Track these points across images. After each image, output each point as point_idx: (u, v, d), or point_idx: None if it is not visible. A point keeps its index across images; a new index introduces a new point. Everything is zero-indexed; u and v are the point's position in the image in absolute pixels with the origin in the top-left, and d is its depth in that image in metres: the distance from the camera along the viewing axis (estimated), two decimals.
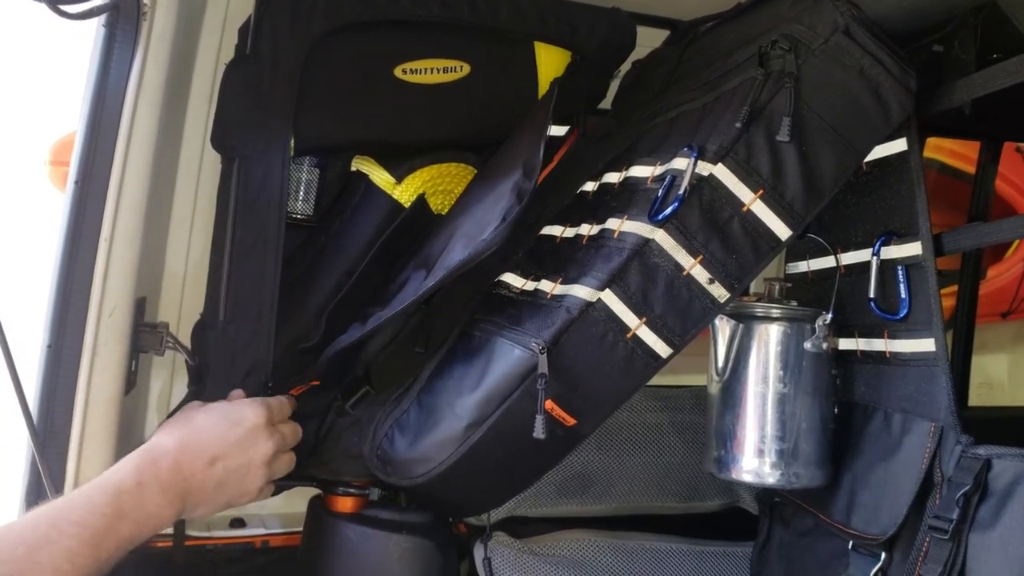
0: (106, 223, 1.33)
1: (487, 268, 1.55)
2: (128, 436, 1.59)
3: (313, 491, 1.65)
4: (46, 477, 1.32)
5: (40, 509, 0.92)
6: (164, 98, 1.40)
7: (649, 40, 1.71)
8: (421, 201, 1.58)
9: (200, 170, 1.68)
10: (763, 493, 1.78)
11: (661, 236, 1.23)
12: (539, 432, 1.24)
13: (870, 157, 1.34)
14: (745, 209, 1.23)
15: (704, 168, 1.23)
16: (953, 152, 3.12)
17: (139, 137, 1.36)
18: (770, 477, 1.41)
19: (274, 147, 1.43)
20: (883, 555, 1.33)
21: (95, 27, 1.34)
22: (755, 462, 1.41)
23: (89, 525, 0.91)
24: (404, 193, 1.56)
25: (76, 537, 0.90)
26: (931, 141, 2.87)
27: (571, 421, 1.29)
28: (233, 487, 1.13)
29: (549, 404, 1.26)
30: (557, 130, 1.57)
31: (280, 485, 1.64)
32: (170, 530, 1.64)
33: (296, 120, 1.45)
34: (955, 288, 2.42)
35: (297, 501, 1.71)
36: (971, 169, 2.41)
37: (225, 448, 1.09)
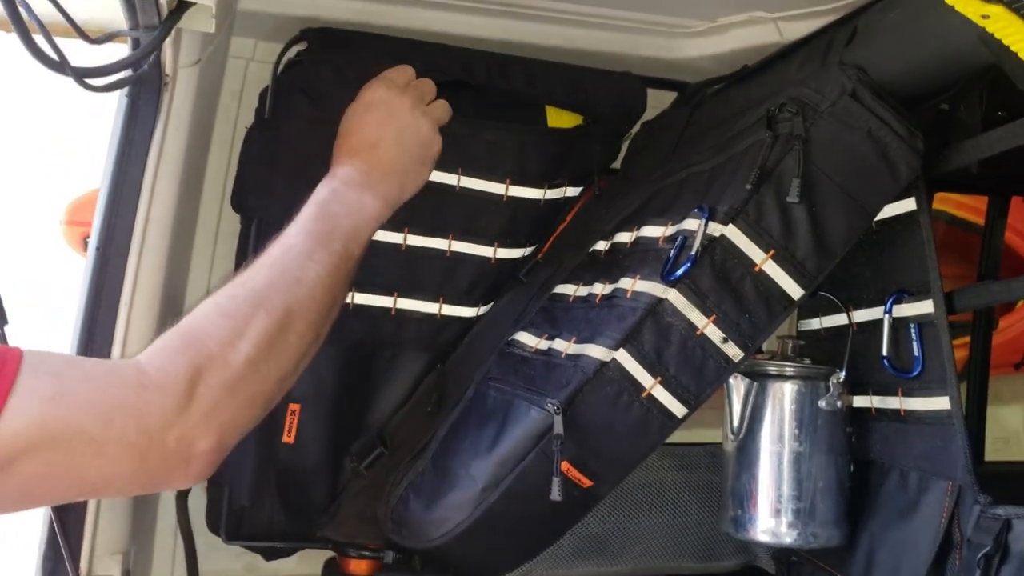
0: (126, 288, 1.35)
1: (501, 326, 1.56)
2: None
3: (328, 554, 1.64)
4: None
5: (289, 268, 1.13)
6: (184, 163, 1.43)
7: (657, 101, 1.74)
8: None
9: (218, 232, 1.70)
10: (780, 552, 1.76)
11: (674, 295, 1.24)
12: (556, 494, 1.23)
13: (880, 216, 1.35)
14: (757, 269, 1.24)
15: (715, 229, 1.24)
16: (960, 203, 3.13)
17: (159, 202, 1.39)
18: (787, 537, 1.40)
19: (293, 209, 1.45)
20: None
21: (118, 97, 1.37)
22: (772, 522, 1.40)
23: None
24: None
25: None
26: (939, 194, 2.88)
27: (587, 483, 1.29)
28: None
29: (565, 465, 1.26)
30: (571, 191, 1.59)
31: (294, 548, 1.64)
32: None
33: (315, 182, 1.47)
34: (967, 339, 2.41)
35: (311, 564, 1.70)
36: (979, 219, 2.41)
37: (417, 170, 1.33)
